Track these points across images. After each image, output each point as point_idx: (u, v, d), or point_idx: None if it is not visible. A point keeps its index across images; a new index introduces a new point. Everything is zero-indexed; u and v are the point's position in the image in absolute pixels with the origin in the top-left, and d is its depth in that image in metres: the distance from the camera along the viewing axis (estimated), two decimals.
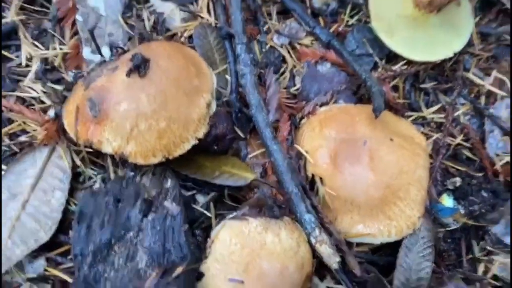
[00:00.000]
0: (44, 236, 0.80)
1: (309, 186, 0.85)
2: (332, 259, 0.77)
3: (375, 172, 0.80)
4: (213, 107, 0.84)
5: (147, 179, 0.81)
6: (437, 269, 0.86)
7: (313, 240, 0.78)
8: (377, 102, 0.83)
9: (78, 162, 0.87)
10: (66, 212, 0.84)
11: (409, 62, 0.97)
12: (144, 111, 0.76)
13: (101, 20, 0.95)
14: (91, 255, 0.75)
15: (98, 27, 0.94)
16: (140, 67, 0.78)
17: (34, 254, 0.81)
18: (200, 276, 0.75)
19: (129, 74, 0.78)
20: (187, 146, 0.80)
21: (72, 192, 0.86)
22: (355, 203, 0.80)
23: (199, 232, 0.83)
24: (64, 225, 0.83)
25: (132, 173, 0.82)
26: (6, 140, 0.88)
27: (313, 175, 0.84)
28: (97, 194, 0.79)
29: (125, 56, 0.82)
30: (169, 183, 0.80)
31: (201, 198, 0.88)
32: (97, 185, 0.86)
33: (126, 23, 0.96)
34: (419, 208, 0.81)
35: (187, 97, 0.79)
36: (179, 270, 0.71)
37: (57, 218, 0.82)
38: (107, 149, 0.78)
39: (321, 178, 0.83)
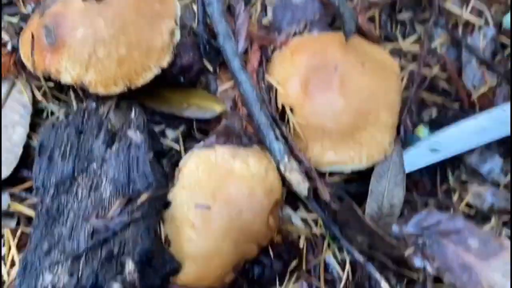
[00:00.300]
0: (6, 171, 0.78)
1: (280, 117, 0.83)
2: (302, 186, 0.75)
3: (346, 98, 0.78)
4: (177, 35, 0.80)
5: (111, 111, 0.78)
6: (410, 198, 0.85)
7: (282, 168, 0.76)
8: (348, 25, 0.80)
9: (40, 97, 0.83)
10: (29, 147, 0.82)
11: None
12: (102, 36, 0.73)
13: None
14: (53, 187, 0.72)
15: None
16: None
17: None
18: (167, 204, 0.73)
19: None
20: (149, 75, 0.76)
21: (35, 128, 0.83)
22: (326, 130, 0.78)
23: (168, 164, 0.81)
24: (28, 161, 0.81)
25: (94, 104, 0.79)
26: None
27: (283, 106, 0.82)
28: (58, 126, 0.76)
29: None
30: (133, 114, 0.78)
31: (170, 132, 0.85)
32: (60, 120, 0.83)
33: None
34: (391, 133, 0.79)
35: (148, 22, 0.76)
36: (143, 197, 0.70)
37: (18, 153, 0.79)
38: (66, 78, 0.74)
39: (291, 109, 0.81)
